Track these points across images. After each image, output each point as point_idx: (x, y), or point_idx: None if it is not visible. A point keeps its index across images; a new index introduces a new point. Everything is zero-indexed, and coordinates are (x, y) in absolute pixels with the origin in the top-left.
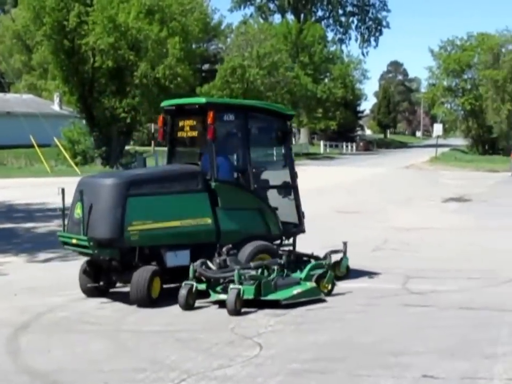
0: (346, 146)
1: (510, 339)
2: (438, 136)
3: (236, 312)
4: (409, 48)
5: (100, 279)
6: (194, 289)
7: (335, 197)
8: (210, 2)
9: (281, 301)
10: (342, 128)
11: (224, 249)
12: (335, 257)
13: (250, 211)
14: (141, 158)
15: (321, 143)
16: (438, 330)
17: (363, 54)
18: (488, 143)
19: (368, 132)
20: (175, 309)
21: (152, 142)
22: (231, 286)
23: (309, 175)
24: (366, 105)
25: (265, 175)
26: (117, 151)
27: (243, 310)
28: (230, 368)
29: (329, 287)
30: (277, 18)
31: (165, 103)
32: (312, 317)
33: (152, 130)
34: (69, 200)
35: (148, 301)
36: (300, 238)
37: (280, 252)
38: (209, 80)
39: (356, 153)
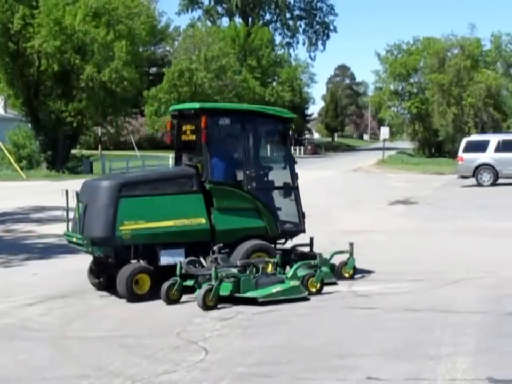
0: (294, 149)
1: (453, 340)
2: (385, 139)
3: (206, 307)
4: (357, 52)
5: (101, 276)
6: (177, 285)
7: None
8: (158, 5)
9: (258, 299)
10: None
11: (215, 248)
12: (341, 258)
13: (246, 211)
14: (87, 162)
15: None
16: (383, 332)
17: (311, 58)
18: (434, 146)
19: (316, 135)
20: (121, 314)
21: (99, 146)
22: (208, 282)
23: None
24: (314, 109)
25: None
26: (63, 155)
27: (192, 312)
28: (175, 373)
29: (318, 286)
30: (224, 21)
31: (170, 108)
32: (258, 320)
33: (99, 134)
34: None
35: (132, 296)
36: None
37: (276, 251)
38: (157, 84)
39: (304, 156)
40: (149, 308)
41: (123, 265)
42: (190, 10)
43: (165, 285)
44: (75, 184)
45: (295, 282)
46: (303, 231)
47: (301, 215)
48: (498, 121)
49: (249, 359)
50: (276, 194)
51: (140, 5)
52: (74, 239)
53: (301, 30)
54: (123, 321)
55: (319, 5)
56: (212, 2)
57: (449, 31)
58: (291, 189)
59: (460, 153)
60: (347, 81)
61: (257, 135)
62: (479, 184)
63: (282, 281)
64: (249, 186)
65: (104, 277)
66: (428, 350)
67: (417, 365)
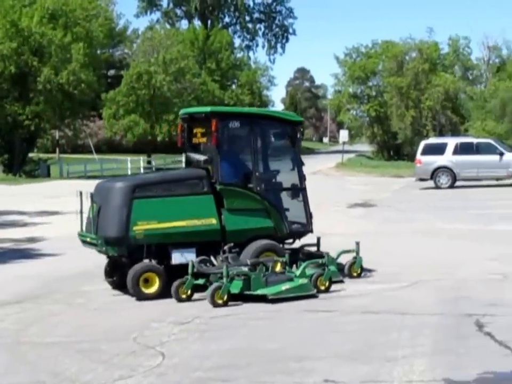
0: None
1: (410, 342)
2: (344, 142)
3: (215, 304)
4: (316, 55)
5: (115, 275)
6: (188, 283)
7: None
8: (116, 7)
9: (268, 296)
10: None
11: (226, 247)
12: (348, 258)
13: (255, 212)
14: (44, 165)
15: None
16: (340, 335)
17: (270, 61)
18: (393, 149)
19: None
20: (77, 319)
21: (57, 149)
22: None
23: None
24: None
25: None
26: (19, 158)
27: (148, 318)
28: (131, 378)
29: (327, 284)
30: (183, 24)
31: (181, 112)
32: (216, 324)
33: (57, 137)
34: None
35: (139, 295)
36: None
37: (284, 250)
38: (115, 86)
39: None
40: (106, 313)
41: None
42: (148, 13)
43: (176, 283)
44: (32, 188)
45: (303, 280)
46: (311, 231)
47: (309, 216)
48: (456, 124)
49: (206, 363)
50: (284, 195)
51: (97, 7)
52: (88, 239)
53: (260, 33)
54: (79, 326)
55: (278, 8)
56: (171, 5)
57: (408, 35)
58: (299, 190)
59: (418, 156)
60: (306, 84)
61: (266, 137)
62: (437, 187)
63: (291, 279)
64: (258, 188)
65: (117, 276)
66: (385, 352)
67: (374, 367)
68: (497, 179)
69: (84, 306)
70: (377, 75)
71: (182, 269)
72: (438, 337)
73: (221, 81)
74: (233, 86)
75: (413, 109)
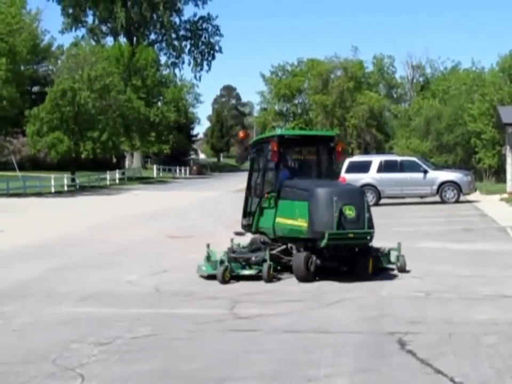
0: (180, 170)
1: (332, 361)
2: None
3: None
4: (242, 72)
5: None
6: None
7: (166, 221)
8: (40, 23)
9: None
10: (175, 152)
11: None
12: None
13: None
14: None
15: (155, 167)
16: (263, 354)
17: (195, 78)
18: None
19: (202, 155)
20: None
21: None
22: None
23: (141, 200)
24: (200, 129)
25: None
26: None
27: (68, 338)
28: None
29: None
30: (109, 41)
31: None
32: (137, 345)
33: None
34: None
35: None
36: None
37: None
38: (39, 103)
39: (189, 177)
40: (25, 334)
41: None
42: (73, 29)
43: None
44: None
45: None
46: None
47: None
48: (381, 142)
49: None
50: None
51: (21, 22)
52: (351, 235)
53: (186, 50)
54: None
55: (204, 25)
56: (96, 21)
57: (333, 53)
58: None
59: (343, 173)
60: (233, 101)
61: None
62: None
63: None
64: None
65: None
66: (307, 371)
67: None
68: (422, 197)
69: (2, 327)
70: (302, 93)
71: None
72: (360, 355)
73: (147, 98)
74: (159, 103)
75: (338, 127)
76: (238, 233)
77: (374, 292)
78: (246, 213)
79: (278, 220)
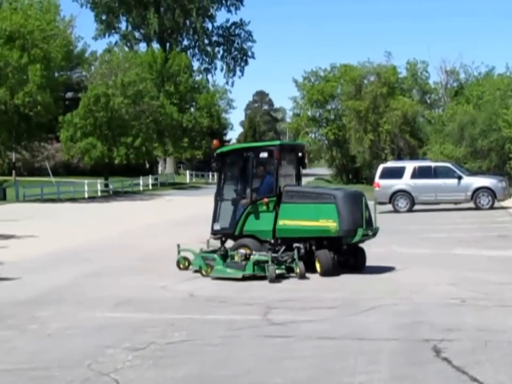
0: (213, 175)
1: (366, 368)
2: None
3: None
4: (275, 78)
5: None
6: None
7: (198, 227)
8: (74, 30)
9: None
10: (208, 158)
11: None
12: None
13: None
14: (0, 188)
15: (187, 172)
16: (297, 361)
17: (228, 84)
18: (352, 172)
19: None
20: (30, 346)
21: (13, 172)
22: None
23: (173, 206)
24: (232, 135)
25: None
26: None
27: (102, 344)
28: None
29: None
30: (142, 47)
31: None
32: (172, 350)
33: (13, 159)
34: None
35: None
36: None
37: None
38: (73, 109)
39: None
40: (60, 339)
41: None
42: (107, 35)
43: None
44: None
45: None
46: None
47: None
48: (414, 147)
49: None
50: None
51: (55, 29)
52: (369, 233)
53: (219, 56)
54: (32, 353)
55: (237, 31)
56: (129, 28)
57: (366, 59)
58: None
59: (377, 179)
60: (265, 107)
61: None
62: (395, 211)
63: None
64: None
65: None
66: (341, 378)
67: None
68: (456, 203)
69: (38, 332)
70: (335, 99)
71: None
72: (395, 363)
73: (179, 104)
74: (192, 109)
75: (371, 133)
76: (216, 238)
77: (408, 298)
78: (216, 218)
79: (283, 222)
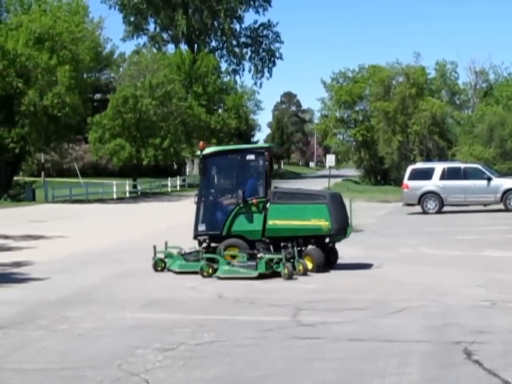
0: None
1: (397, 370)
2: (330, 167)
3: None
4: (302, 79)
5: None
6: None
7: None
8: (103, 31)
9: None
10: None
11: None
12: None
13: None
14: (30, 189)
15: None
16: (326, 362)
17: (256, 85)
18: (380, 174)
19: None
20: (61, 346)
21: (42, 173)
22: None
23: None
24: (260, 136)
25: None
26: (4, 182)
27: (132, 344)
28: None
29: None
30: (170, 48)
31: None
32: (201, 351)
33: (42, 161)
34: None
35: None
36: None
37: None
38: (101, 110)
39: None
40: (90, 339)
41: None
42: (135, 37)
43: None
44: (17, 212)
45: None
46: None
47: None
48: (443, 149)
49: None
50: None
51: (84, 31)
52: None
53: (247, 57)
54: (62, 352)
55: (265, 32)
56: (157, 29)
57: (394, 59)
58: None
59: (405, 180)
60: (293, 108)
61: None
62: (424, 212)
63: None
64: None
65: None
66: (372, 380)
67: None
68: (485, 204)
69: (68, 332)
70: (364, 100)
71: None
72: (426, 365)
73: (207, 105)
74: (220, 110)
75: (400, 134)
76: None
77: (438, 300)
78: (200, 219)
79: (273, 222)
